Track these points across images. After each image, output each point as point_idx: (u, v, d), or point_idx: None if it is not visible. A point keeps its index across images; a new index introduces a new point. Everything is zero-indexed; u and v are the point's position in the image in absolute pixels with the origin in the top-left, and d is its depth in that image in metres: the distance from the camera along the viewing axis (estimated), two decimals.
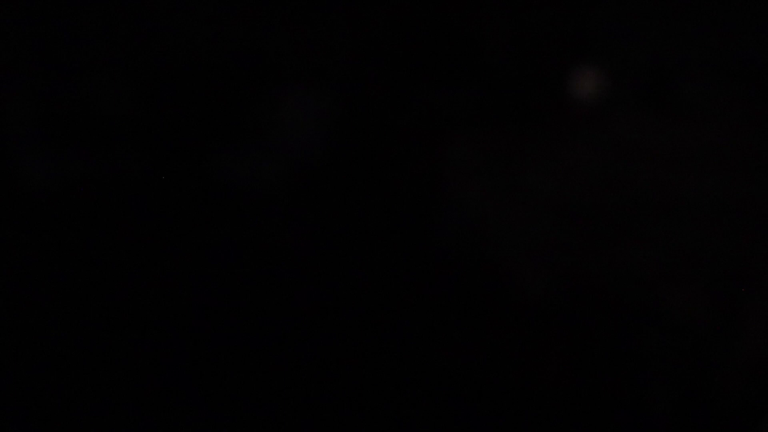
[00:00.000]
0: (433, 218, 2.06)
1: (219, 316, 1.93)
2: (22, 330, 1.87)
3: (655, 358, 1.57)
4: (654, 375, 1.57)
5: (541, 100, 1.98)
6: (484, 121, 2.02)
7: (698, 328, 1.50)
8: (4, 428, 1.64)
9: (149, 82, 2.07)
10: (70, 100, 2.03)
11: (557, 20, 1.95)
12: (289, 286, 2.00)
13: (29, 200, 2.05)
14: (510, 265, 1.88)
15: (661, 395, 1.55)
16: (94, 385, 1.76)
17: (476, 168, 1.97)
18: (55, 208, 2.05)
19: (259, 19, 2.06)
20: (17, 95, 2.01)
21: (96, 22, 1.97)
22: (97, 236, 2.02)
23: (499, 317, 1.86)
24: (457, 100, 2.05)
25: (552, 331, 1.77)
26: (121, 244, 2.01)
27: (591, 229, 1.72)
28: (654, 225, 1.60)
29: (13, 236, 1.99)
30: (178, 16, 2.03)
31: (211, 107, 2.12)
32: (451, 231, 2.02)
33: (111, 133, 2.05)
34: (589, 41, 1.89)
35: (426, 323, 1.93)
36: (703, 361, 1.49)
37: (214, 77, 2.10)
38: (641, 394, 1.58)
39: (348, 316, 1.94)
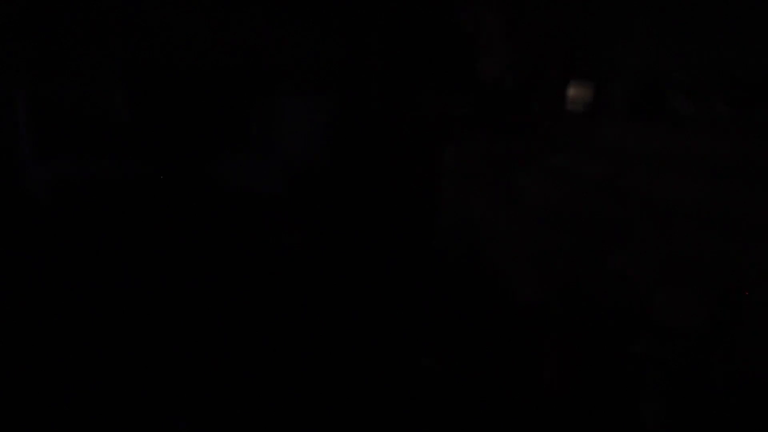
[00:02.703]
0: (430, 223, 2.07)
1: (217, 317, 1.94)
2: (21, 329, 1.87)
3: (650, 363, 1.58)
4: (649, 381, 1.58)
5: (536, 108, 2.00)
6: (481, 128, 2.03)
7: (693, 334, 1.52)
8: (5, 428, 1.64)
9: (150, 89, 2.08)
10: (73, 107, 2.03)
11: (553, 29, 1.96)
12: (288, 290, 2.01)
13: (28, 202, 2.05)
14: (505, 270, 1.90)
15: (657, 401, 1.56)
16: (93, 386, 1.76)
17: (473, 174, 1.98)
18: (55, 211, 2.05)
19: (259, 26, 2.08)
20: (16, 99, 2.01)
21: (100, 28, 1.98)
22: (98, 239, 2.02)
23: (494, 321, 1.87)
24: (454, 107, 2.07)
25: (547, 335, 1.78)
26: (122, 247, 2.02)
27: (586, 235, 1.73)
28: (648, 231, 1.62)
29: (12, 238, 1.99)
30: (179, 24, 2.04)
31: (212, 114, 2.12)
32: (447, 235, 2.03)
33: (114, 139, 2.05)
34: (584, 50, 1.92)
35: (423, 326, 1.94)
36: (698, 367, 1.50)
37: (214, 84, 2.11)
38: (637, 399, 1.59)
39: (347, 318, 1.95)
